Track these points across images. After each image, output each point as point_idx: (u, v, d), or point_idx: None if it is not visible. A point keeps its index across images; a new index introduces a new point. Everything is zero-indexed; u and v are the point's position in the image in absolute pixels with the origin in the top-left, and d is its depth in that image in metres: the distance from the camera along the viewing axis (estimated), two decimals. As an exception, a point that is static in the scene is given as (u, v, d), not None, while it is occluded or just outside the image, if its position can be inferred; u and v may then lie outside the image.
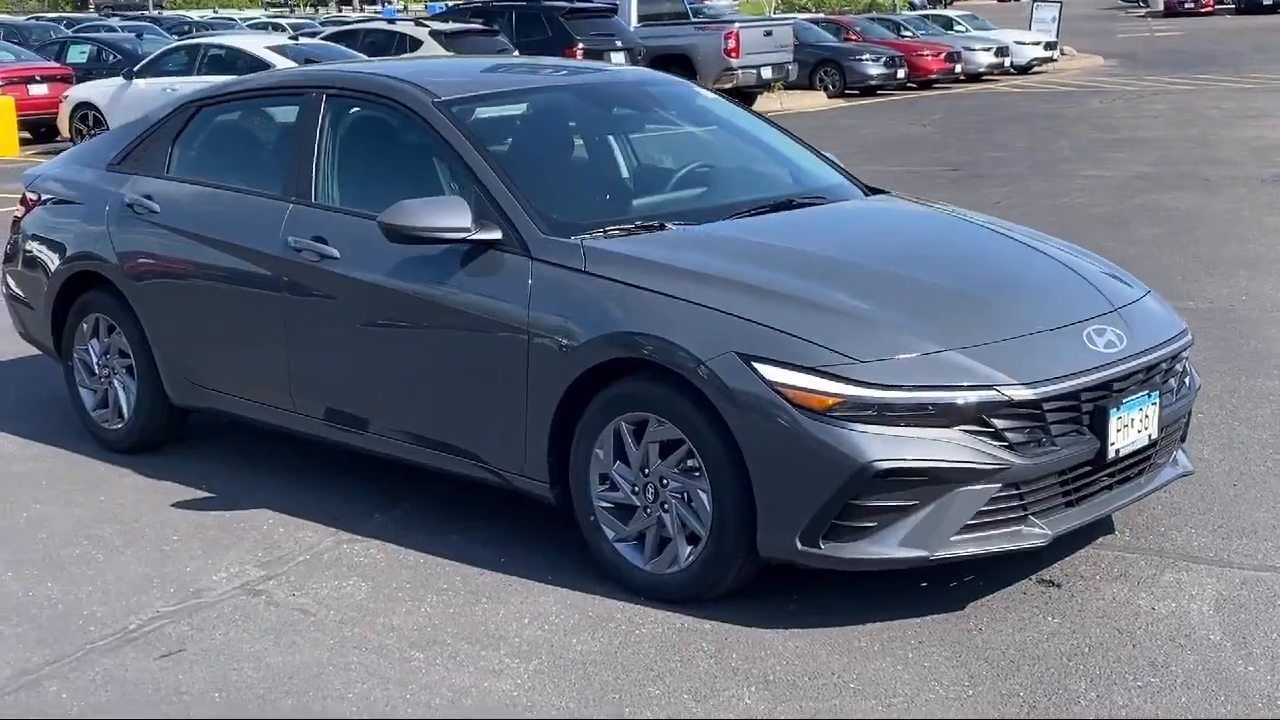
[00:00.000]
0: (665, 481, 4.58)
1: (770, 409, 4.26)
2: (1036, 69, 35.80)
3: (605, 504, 4.76)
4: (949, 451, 4.18)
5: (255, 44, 19.37)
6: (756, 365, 4.30)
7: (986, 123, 23.04)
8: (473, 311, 4.96)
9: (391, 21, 23.41)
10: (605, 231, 4.99)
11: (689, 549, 4.56)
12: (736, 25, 25.57)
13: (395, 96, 5.51)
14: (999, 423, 4.25)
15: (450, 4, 28.35)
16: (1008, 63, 34.30)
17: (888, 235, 5.46)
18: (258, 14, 55.49)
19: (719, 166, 5.93)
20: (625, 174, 5.75)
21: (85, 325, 6.54)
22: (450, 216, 4.92)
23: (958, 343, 4.36)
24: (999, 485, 4.25)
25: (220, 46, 19.62)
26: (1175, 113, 23.27)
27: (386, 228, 4.96)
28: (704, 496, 4.47)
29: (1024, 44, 35.68)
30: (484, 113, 5.55)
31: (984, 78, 33.73)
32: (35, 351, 7.78)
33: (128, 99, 19.63)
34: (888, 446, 4.16)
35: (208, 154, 6.34)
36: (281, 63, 18.51)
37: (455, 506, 5.61)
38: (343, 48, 20.10)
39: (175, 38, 26.42)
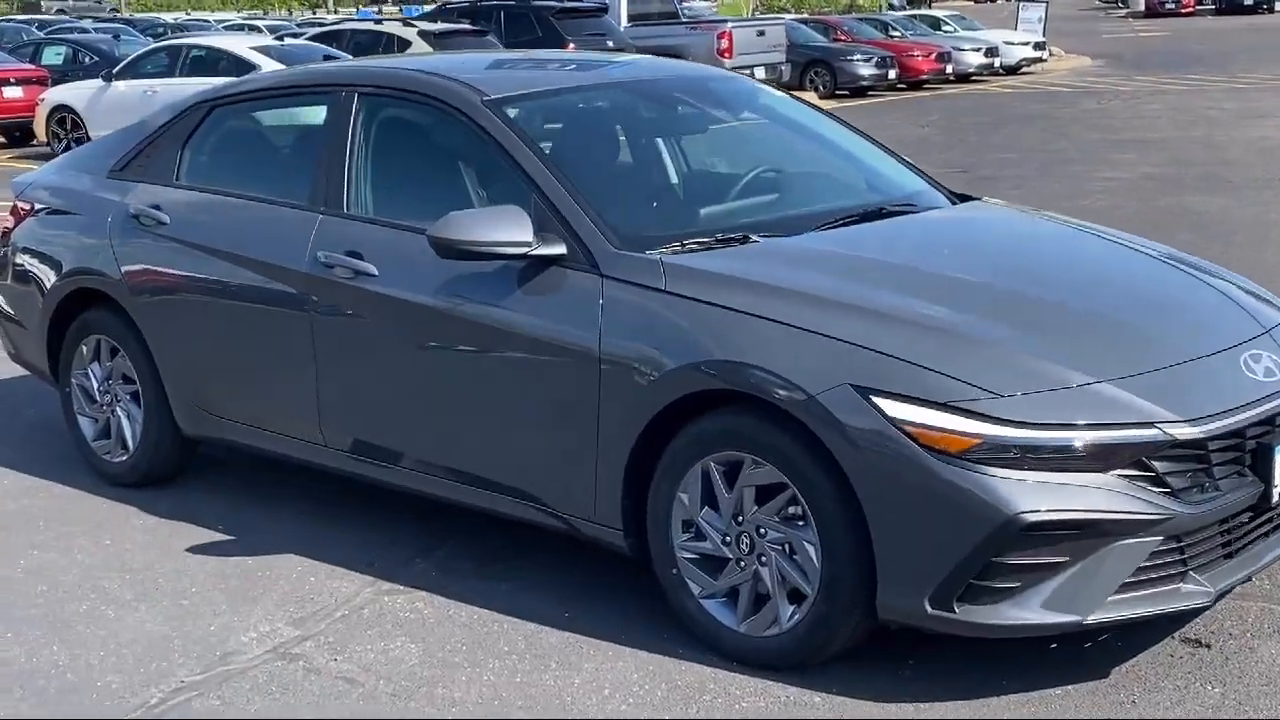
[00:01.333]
0: (763, 531, 4.02)
1: (894, 450, 3.70)
2: (1025, 69, 35.40)
3: (690, 555, 4.20)
4: (1105, 500, 3.63)
5: (239, 45, 18.74)
6: (876, 399, 3.74)
7: (985, 124, 22.58)
8: (533, 335, 4.40)
9: (378, 23, 22.77)
10: (683, 245, 4.42)
11: (791, 608, 4.01)
12: (729, 25, 25.05)
13: (438, 95, 4.93)
14: (1160, 466, 3.70)
15: (434, 4, 27.66)
16: (997, 63, 33.87)
17: (1003, 248, 4.91)
18: (231, 16, 54.76)
19: (789, 170, 5.38)
20: (695, 180, 5.18)
21: (85, 348, 5.95)
22: (509, 229, 4.35)
23: (1109, 373, 3.81)
24: (1160, 537, 3.69)
25: (203, 48, 18.98)
26: (1175, 113, 22.84)
27: (437, 242, 4.39)
28: (811, 549, 3.91)
29: (1013, 44, 35.26)
30: (538, 112, 4.97)
31: (973, 78, 33.32)
32: (22, 372, 7.18)
33: (107, 101, 18.99)
34: (1036, 495, 3.61)
35: (222, 159, 5.76)
36: (267, 64, 17.88)
37: (503, 548, 5.05)
38: (329, 48, 19.46)
39: (150, 40, 25.70)
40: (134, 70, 19.20)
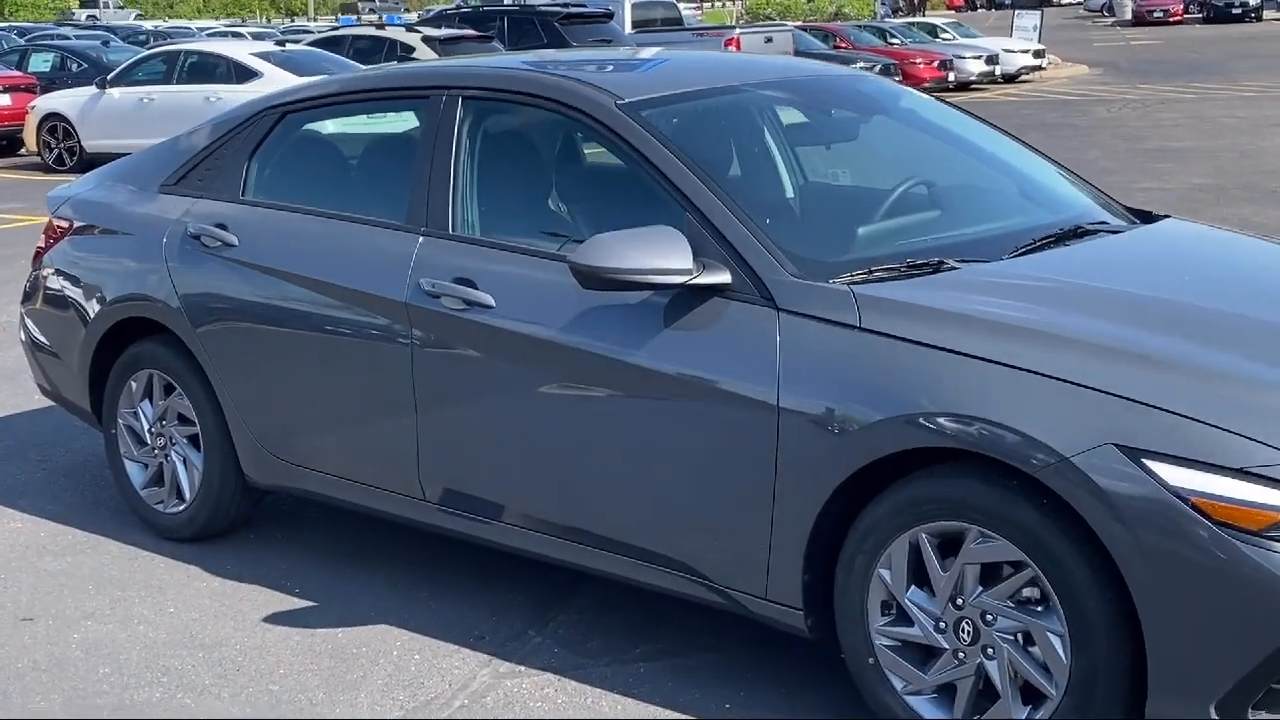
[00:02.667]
0: (991, 618, 3.36)
1: (1174, 526, 3.06)
2: (1024, 77, 34.88)
3: (892, 643, 3.55)
4: None
5: (239, 51, 18.02)
6: (1150, 463, 3.09)
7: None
8: (689, 379, 3.75)
9: (380, 28, 22.08)
10: (870, 272, 3.76)
11: (1026, 710, 3.34)
12: (738, 31, 24.43)
13: (561, 98, 4.27)
14: None
15: (432, 10, 26.98)
16: (997, 71, 33.36)
17: (1243, 274, 4.26)
18: (212, 23, 53.96)
19: (948, 183, 4.71)
20: (861, 194, 4.51)
21: (134, 384, 5.26)
22: (667, 255, 3.70)
23: None
24: None
25: (201, 53, 18.23)
26: (1193, 122, 22.32)
27: (583, 270, 3.73)
28: (1055, 641, 3.26)
29: (1013, 52, 34.75)
30: (679, 118, 4.31)
31: (973, 86, 32.78)
32: (47, 403, 6.52)
33: (101, 110, 18.25)
34: (1359, 582, 2.96)
35: (298, 171, 5.09)
36: (269, 71, 17.22)
37: (638, 620, 4.40)
38: (333, 54, 18.77)
39: (140, 48, 24.92)
40: (129, 77, 18.43)
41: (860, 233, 4.26)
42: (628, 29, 24.80)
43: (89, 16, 58.18)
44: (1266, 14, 63.19)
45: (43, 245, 5.68)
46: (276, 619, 4.55)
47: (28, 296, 5.76)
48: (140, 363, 5.23)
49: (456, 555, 4.83)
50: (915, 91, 5.23)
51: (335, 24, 48.29)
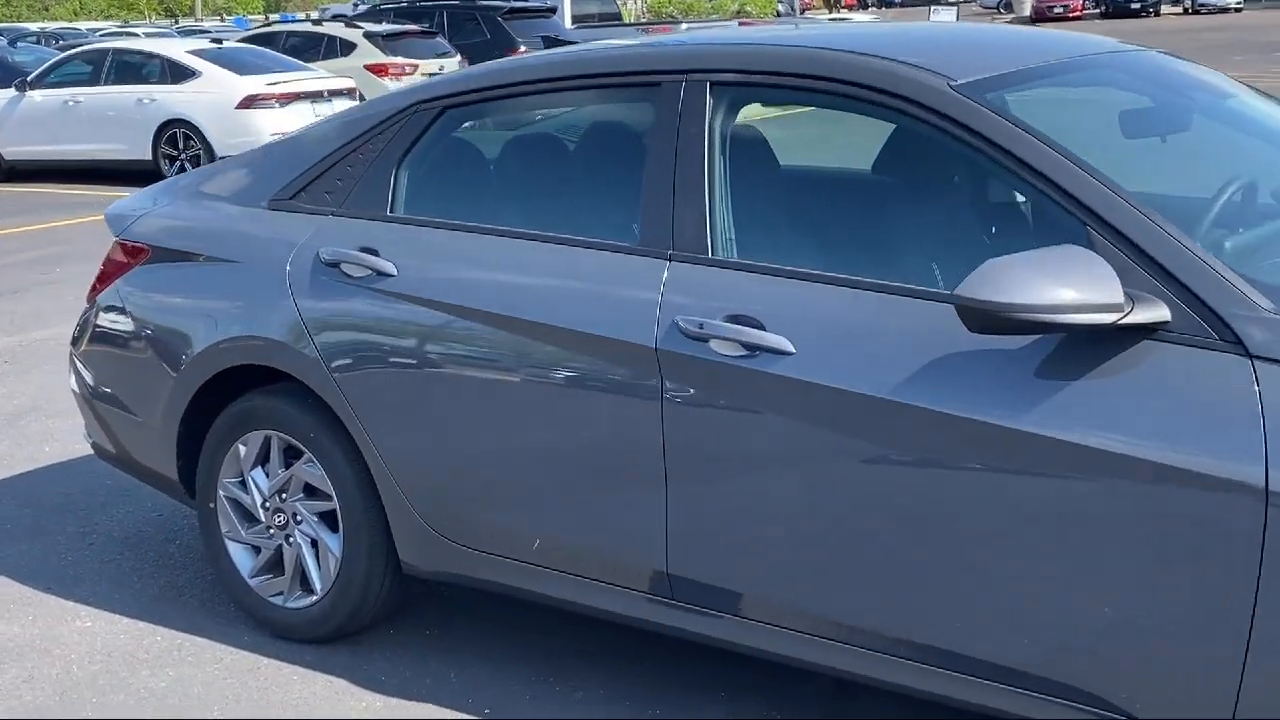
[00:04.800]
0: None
1: None
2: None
3: None
4: None
5: (174, 49, 16.71)
6: None
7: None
8: (1114, 450, 2.79)
9: (317, 23, 20.81)
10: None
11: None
12: (685, 25, 23.50)
13: (873, 81, 3.29)
14: None
15: (367, 5, 25.73)
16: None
17: None
18: (105, 25, 51.96)
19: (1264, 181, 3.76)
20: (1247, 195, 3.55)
21: (243, 447, 4.20)
22: (1089, 285, 2.76)
23: None
24: None
25: (132, 52, 16.87)
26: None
27: (977, 310, 2.76)
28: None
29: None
30: (1037, 103, 3.34)
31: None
32: (55, 456, 5.47)
33: (22, 114, 16.85)
34: None
35: (469, 181, 4.08)
36: (208, 69, 15.99)
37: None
38: (271, 51, 17.55)
39: (53, 49, 23.38)
40: (50, 79, 17.02)
41: (1230, 245, 3.32)
42: (568, 24, 23.77)
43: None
44: (1164, 9, 63.65)
45: (106, 273, 4.57)
46: (481, 755, 3.52)
47: (82, 336, 4.66)
48: (252, 421, 4.17)
49: (693, 657, 3.84)
50: (1220, 74, 4.26)
51: (227, 24, 46.71)
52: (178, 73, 16.20)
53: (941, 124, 3.16)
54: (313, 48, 19.08)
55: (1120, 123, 3.68)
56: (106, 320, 4.51)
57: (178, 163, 16.01)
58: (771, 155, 3.62)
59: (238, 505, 4.28)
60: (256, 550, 4.27)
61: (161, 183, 4.82)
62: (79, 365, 4.68)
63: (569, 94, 3.90)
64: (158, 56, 16.56)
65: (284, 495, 4.15)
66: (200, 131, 15.77)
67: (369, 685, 3.93)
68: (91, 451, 4.84)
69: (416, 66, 18.60)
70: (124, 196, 4.89)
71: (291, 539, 4.17)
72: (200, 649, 4.20)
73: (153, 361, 4.35)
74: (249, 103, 15.71)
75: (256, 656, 4.13)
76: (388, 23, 21.00)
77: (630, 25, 25.48)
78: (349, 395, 3.88)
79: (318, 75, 16.72)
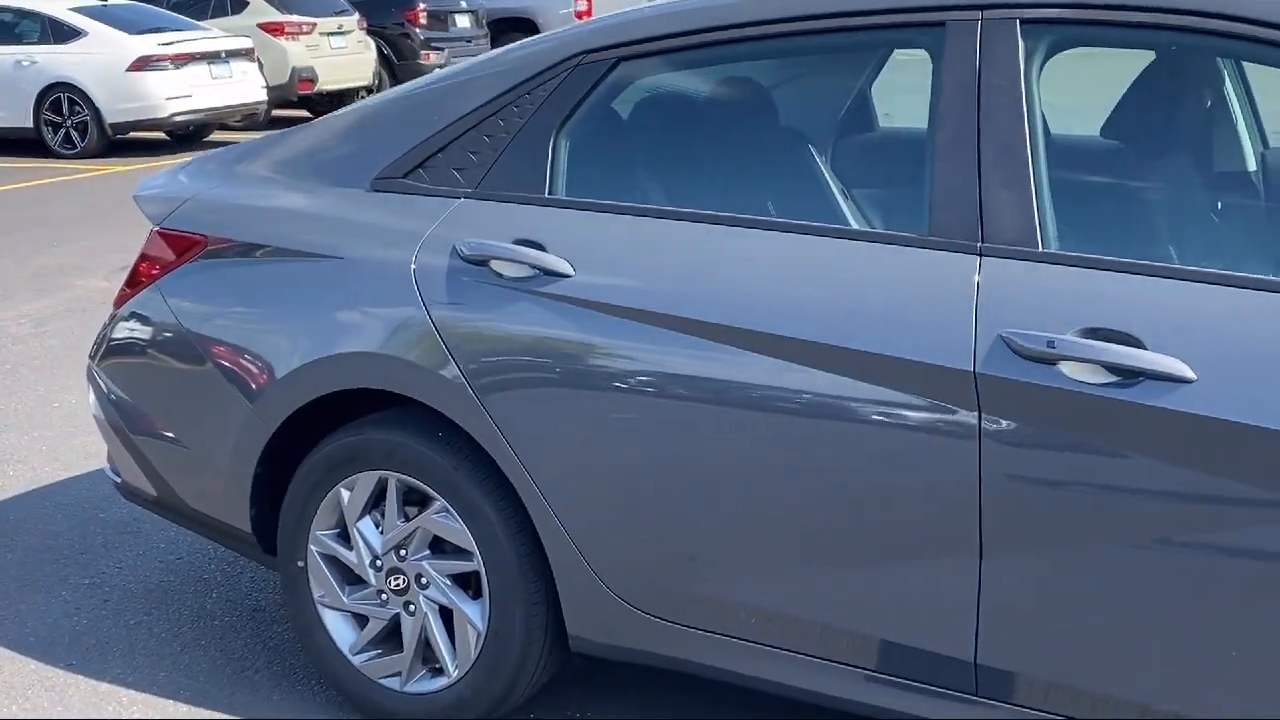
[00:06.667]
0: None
1: None
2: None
3: None
4: None
5: (56, 6, 15.32)
6: None
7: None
8: None
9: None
10: None
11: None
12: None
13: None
14: None
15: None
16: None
17: None
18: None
19: None
20: None
21: (346, 491, 3.31)
22: None
23: None
24: None
25: (6, 9, 15.45)
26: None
27: None
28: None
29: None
30: None
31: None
32: (48, 476, 4.58)
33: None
34: None
35: (661, 153, 3.22)
36: (94, 28, 14.74)
37: None
38: (159, 9, 16.28)
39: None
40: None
41: None
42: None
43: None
44: None
45: (143, 271, 3.64)
46: None
47: (108, 349, 3.72)
48: (362, 458, 3.28)
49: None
50: None
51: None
52: (60, 32, 14.92)
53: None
54: (200, 4, 17.78)
55: None
56: (145, 331, 3.59)
57: (62, 130, 14.74)
58: (1127, 115, 2.83)
59: (337, 564, 3.40)
60: (362, 620, 3.40)
61: (203, 157, 3.87)
62: (104, 384, 3.75)
63: (797, 40, 3.04)
64: (37, 14, 15.21)
65: (403, 552, 3.28)
66: (88, 96, 14.54)
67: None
68: (63, 476, 3.92)
69: (314, 25, 17.46)
70: (153, 173, 3.94)
71: (413, 607, 3.30)
72: (299, 748, 3.31)
73: (216, 384, 3.44)
74: (141, 64, 14.51)
75: (373, 756, 3.26)
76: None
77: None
78: (505, 427, 3.02)
79: (214, 35, 15.53)
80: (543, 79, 3.16)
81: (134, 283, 3.66)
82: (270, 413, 3.33)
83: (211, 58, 15.03)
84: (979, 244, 2.61)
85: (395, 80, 18.97)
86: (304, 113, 17.74)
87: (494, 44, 20.86)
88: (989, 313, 2.55)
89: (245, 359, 3.37)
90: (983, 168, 2.63)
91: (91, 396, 3.84)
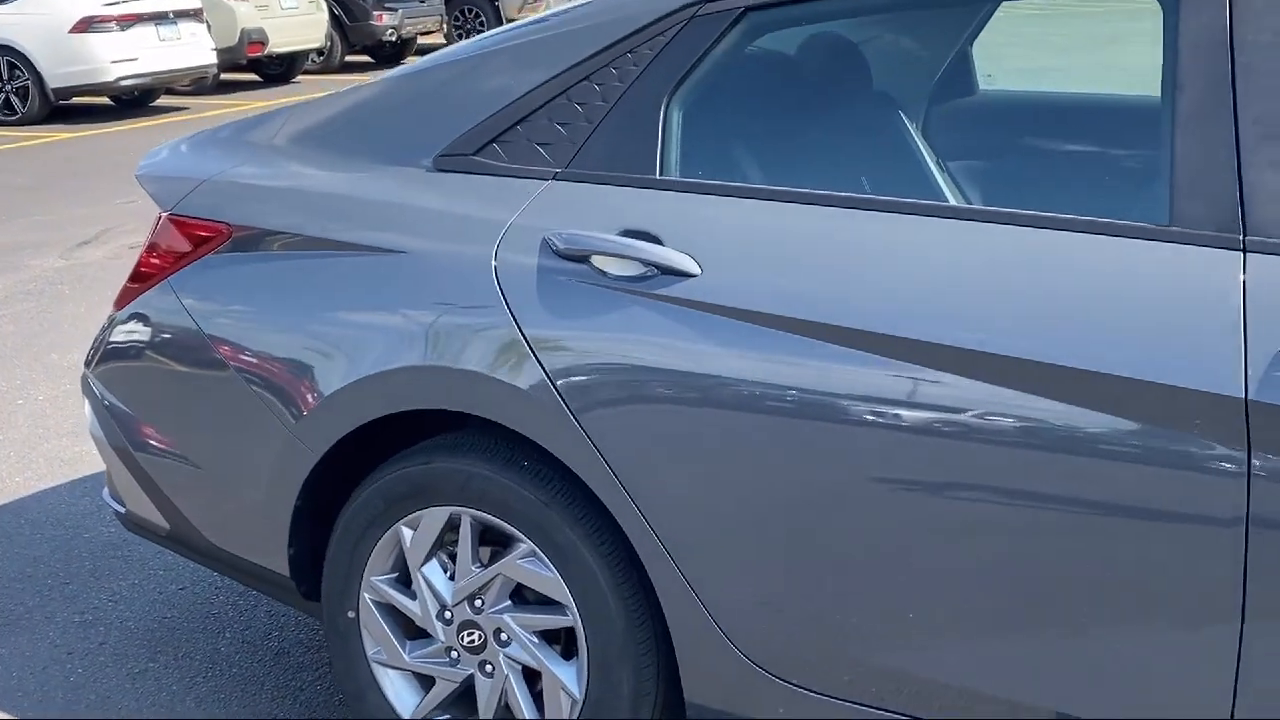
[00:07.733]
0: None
1: None
2: None
3: None
4: None
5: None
6: None
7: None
8: None
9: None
10: None
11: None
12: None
13: None
14: None
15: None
16: None
17: None
18: None
19: None
20: None
21: (408, 531, 2.77)
22: None
23: None
24: None
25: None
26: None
27: None
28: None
29: None
30: None
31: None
32: (17, 487, 4.05)
33: None
34: None
35: (802, 125, 2.66)
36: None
37: None
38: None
39: None
40: None
41: None
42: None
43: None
44: None
45: (151, 264, 3.06)
46: None
47: (108, 357, 3.14)
48: (429, 491, 2.74)
49: None
50: None
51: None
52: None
53: None
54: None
55: None
56: (155, 335, 3.02)
57: (1, 95, 13.97)
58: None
59: (395, 615, 2.86)
60: (427, 681, 2.85)
61: (220, 129, 3.29)
62: (103, 398, 3.16)
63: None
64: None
65: (479, 603, 2.74)
66: (28, 60, 13.80)
67: None
68: (36, 488, 3.36)
69: (264, -16, 16.74)
70: (154, 147, 3.36)
71: (490, 667, 2.76)
72: (356, 837, 2.77)
73: (245, 401, 2.87)
74: (84, 25, 13.77)
75: (449, 847, 2.73)
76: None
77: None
78: (609, 456, 2.48)
79: (160, -7, 14.80)
80: (649, 34, 2.61)
81: (140, 277, 3.08)
82: (316, 436, 2.78)
83: (159, 18, 14.31)
84: (1241, 236, 2.09)
85: (347, 43, 18.28)
86: (253, 76, 17.03)
87: (448, 7, 20.18)
88: (1261, 327, 2.03)
89: (284, 372, 2.81)
90: (1240, 145, 2.11)
91: (88, 410, 3.27)
